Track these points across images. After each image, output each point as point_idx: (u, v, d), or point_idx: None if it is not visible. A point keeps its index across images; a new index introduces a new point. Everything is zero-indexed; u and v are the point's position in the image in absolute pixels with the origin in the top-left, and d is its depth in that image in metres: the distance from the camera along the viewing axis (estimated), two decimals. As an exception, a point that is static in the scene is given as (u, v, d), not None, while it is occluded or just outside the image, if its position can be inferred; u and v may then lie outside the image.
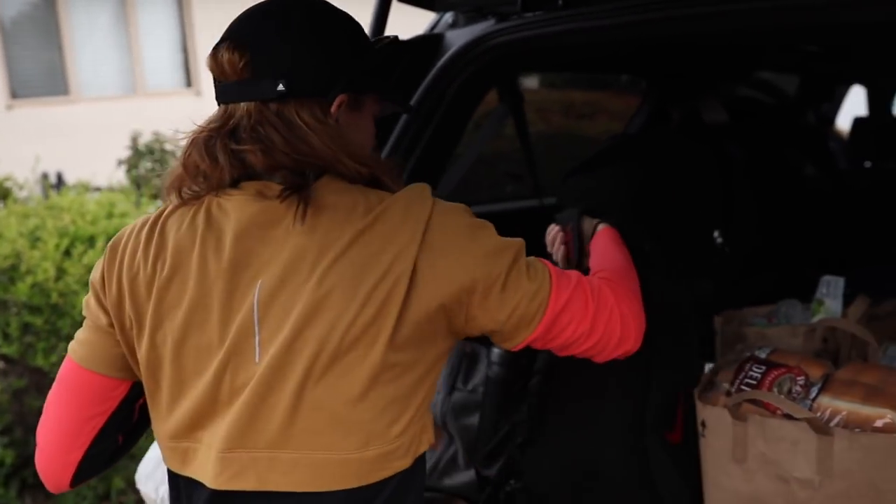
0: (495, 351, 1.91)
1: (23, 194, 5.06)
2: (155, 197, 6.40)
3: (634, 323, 1.29)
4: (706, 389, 1.64)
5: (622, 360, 1.32)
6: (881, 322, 1.90)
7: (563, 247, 1.78)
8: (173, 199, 1.22)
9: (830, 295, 1.97)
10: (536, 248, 2.34)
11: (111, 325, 1.24)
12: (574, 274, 1.27)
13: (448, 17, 2.20)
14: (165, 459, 1.24)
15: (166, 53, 9.66)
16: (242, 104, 1.17)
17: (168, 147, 7.29)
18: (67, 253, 3.74)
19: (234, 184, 1.19)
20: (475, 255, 1.17)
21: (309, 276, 1.13)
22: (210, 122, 1.20)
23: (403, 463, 1.18)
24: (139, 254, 1.20)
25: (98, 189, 5.91)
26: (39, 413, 1.34)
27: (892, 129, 3.70)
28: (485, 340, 1.44)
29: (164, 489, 1.74)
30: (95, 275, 1.25)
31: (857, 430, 1.42)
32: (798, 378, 1.55)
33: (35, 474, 3.76)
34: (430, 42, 2.13)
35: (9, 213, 4.05)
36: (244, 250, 1.16)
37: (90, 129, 8.44)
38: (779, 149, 2.91)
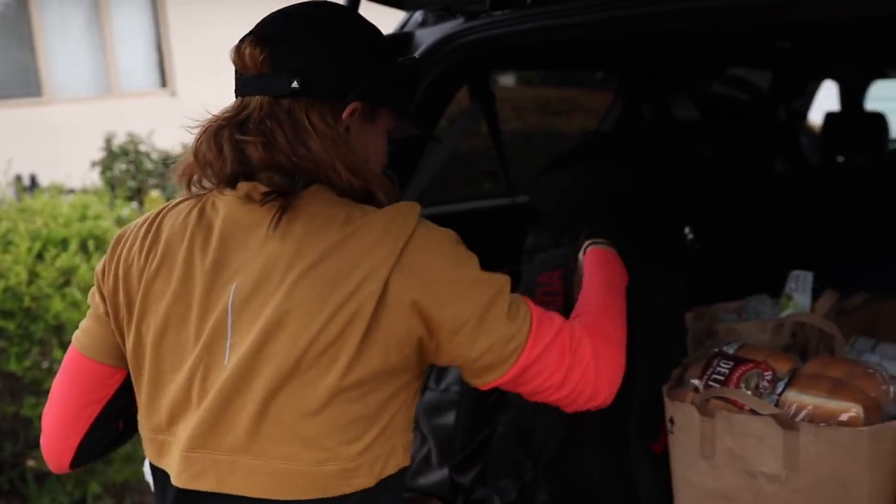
0: None
1: (-5, 197, 5.01)
2: (129, 198, 6.37)
3: (609, 378, 1.24)
4: (675, 386, 1.64)
5: None
6: (848, 316, 1.92)
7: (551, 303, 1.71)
8: (182, 191, 1.25)
9: (799, 290, 1.98)
10: (510, 245, 2.36)
11: (107, 313, 1.27)
12: (557, 320, 1.22)
13: (418, 15, 2.20)
14: (145, 449, 1.26)
15: (141, 54, 9.59)
16: (257, 97, 1.18)
17: (143, 148, 7.24)
18: (40, 256, 3.70)
19: (234, 181, 1.20)
20: (450, 286, 1.13)
21: (279, 285, 1.13)
22: (224, 111, 1.22)
23: (366, 482, 1.16)
24: (136, 245, 1.24)
25: (72, 191, 5.86)
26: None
27: (864, 124, 3.74)
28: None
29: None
30: (98, 265, 1.29)
31: (822, 424, 1.43)
32: (765, 373, 1.55)
33: (9, 480, 3.74)
34: (399, 41, 2.13)
35: (-20, 217, 4.01)
36: (225, 251, 1.17)
37: (64, 131, 8.37)
38: (750, 145, 2.93)
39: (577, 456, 1.79)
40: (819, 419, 1.45)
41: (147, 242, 1.23)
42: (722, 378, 1.56)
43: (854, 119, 3.93)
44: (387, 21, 2.13)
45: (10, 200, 4.48)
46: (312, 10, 1.23)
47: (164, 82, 9.68)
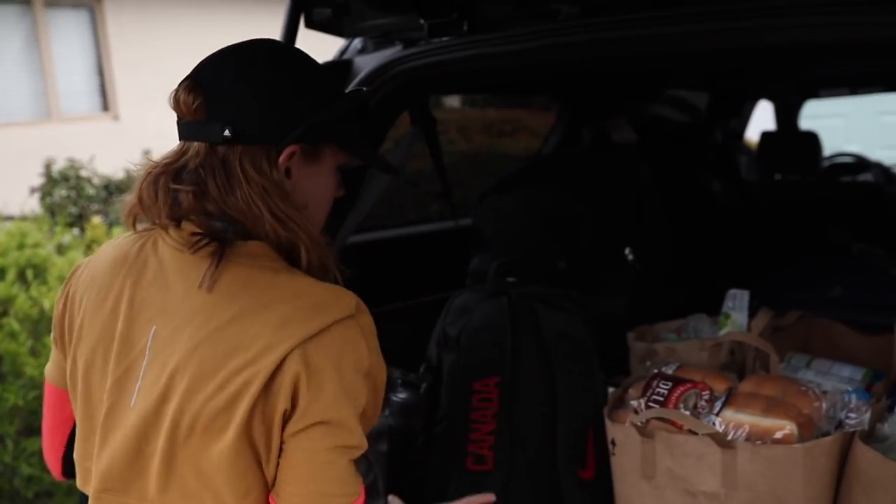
0: (393, 400, 1.87)
1: (-71, 226, 4.87)
2: (70, 225, 6.23)
3: None
4: (616, 408, 1.67)
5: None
6: (783, 332, 1.96)
7: None
8: (129, 229, 1.26)
9: (736, 308, 2.02)
10: (456, 268, 2.38)
11: (56, 340, 1.30)
12: None
13: (357, 42, 2.21)
14: (76, 475, 1.27)
15: (81, 77, 9.42)
16: (195, 143, 1.18)
17: (84, 174, 7.10)
18: (-25, 286, 3.61)
19: (179, 222, 1.19)
20: (325, 404, 1.09)
21: (189, 339, 1.12)
22: (165, 157, 1.21)
23: None
24: (84, 274, 1.26)
25: (10, 218, 5.73)
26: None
27: (798, 143, 3.83)
28: (393, 362, 1.42)
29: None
30: (58, 293, 1.32)
31: (758, 442, 1.46)
32: (703, 393, 1.58)
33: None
34: (339, 68, 2.13)
35: (-88, 247, 3.90)
36: (152, 292, 1.18)
37: (1, 156, 8.18)
38: (688, 166, 2.99)
39: (506, 491, 1.78)
40: (755, 437, 1.48)
41: (90, 273, 1.25)
42: (661, 399, 1.59)
43: (789, 138, 4.03)
44: (326, 48, 2.14)
45: (-56, 229, 4.36)
46: (247, 54, 1.21)
47: (105, 106, 9.53)
